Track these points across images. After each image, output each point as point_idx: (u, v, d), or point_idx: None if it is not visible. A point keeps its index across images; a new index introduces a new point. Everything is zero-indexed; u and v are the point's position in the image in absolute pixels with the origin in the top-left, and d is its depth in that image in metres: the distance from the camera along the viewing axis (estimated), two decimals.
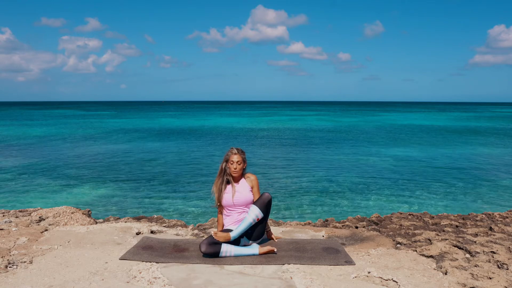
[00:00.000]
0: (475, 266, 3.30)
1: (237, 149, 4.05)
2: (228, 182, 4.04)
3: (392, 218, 5.35)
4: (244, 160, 4.04)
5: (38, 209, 5.31)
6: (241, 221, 3.93)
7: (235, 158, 3.99)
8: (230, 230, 3.83)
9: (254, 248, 3.70)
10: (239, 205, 3.97)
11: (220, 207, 4.04)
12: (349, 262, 3.51)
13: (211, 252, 3.58)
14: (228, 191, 4.01)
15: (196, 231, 4.64)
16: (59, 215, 4.99)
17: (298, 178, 15.58)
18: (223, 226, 4.04)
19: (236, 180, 4.05)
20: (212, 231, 3.86)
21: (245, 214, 3.94)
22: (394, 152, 23.84)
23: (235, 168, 3.98)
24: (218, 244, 3.62)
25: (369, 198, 12.55)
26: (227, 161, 4.03)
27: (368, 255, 3.74)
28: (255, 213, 3.78)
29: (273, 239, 4.12)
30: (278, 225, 5.08)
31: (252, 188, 4.05)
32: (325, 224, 5.23)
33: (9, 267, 3.33)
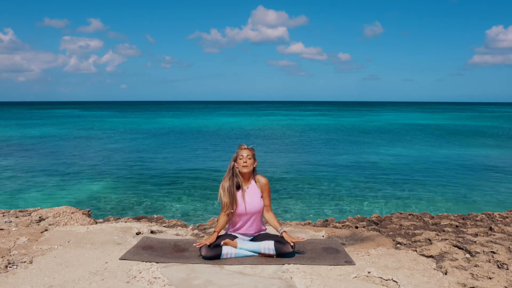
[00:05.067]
0: (475, 266, 3.30)
1: (246, 145, 3.77)
2: (238, 187, 3.72)
3: (392, 218, 5.35)
4: (254, 157, 3.74)
5: (38, 209, 5.32)
6: (249, 234, 3.79)
7: (245, 152, 3.70)
8: (235, 237, 3.72)
9: (255, 248, 3.64)
10: (250, 213, 3.71)
11: (231, 213, 3.71)
12: (349, 262, 3.51)
13: (212, 256, 3.52)
14: (238, 196, 3.71)
15: (196, 231, 4.65)
16: (59, 215, 4.99)
17: (298, 178, 15.57)
18: (221, 228, 3.72)
19: (246, 180, 3.76)
20: (222, 242, 3.57)
21: (254, 223, 3.76)
22: (394, 151, 23.83)
23: (245, 162, 3.66)
24: (218, 247, 3.55)
25: (369, 198, 12.54)
26: (235, 159, 3.72)
27: (368, 255, 3.74)
28: (269, 248, 3.56)
29: (295, 240, 3.62)
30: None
31: (261, 192, 3.77)
32: (325, 224, 5.23)
33: (9, 267, 3.33)
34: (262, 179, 3.79)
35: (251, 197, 3.73)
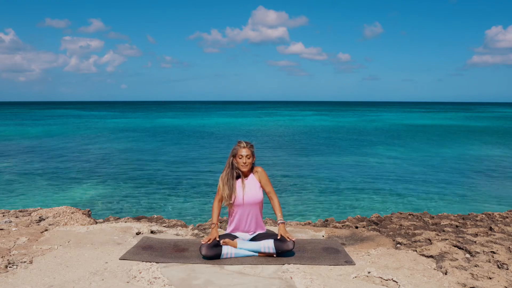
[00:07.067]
0: (475, 266, 3.30)
1: (245, 142, 3.78)
2: (237, 177, 3.79)
3: (392, 218, 5.35)
4: (253, 154, 3.78)
5: (38, 209, 5.32)
6: (247, 231, 3.81)
7: (244, 152, 3.72)
8: (235, 237, 3.73)
9: (255, 247, 3.64)
10: (248, 204, 3.75)
11: (230, 205, 3.76)
12: (349, 262, 3.51)
13: (212, 255, 3.52)
14: (237, 187, 3.76)
15: (196, 231, 4.65)
16: (59, 215, 4.99)
17: (298, 178, 15.57)
18: (218, 217, 3.78)
19: (245, 175, 3.81)
20: (222, 241, 3.60)
21: (252, 219, 3.78)
22: (394, 151, 23.84)
23: (245, 163, 3.72)
24: (218, 246, 3.56)
25: (369, 198, 12.55)
26: (234, 155, 3.76)
27: (368, 255, 3.74)
28: (268, 247, 3.57)
29: (284, 237, 3.60)
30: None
31: (260, 181, 3.81)
32: (325, 224, 5.23)
33: (9, 267, 3.33)
34: (258, 169, 3.86)
35: (249, 188, 3.77)
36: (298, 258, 3.57)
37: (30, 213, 5.16)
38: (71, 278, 3.14)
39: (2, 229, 4.28)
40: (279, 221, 3.72)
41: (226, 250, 3.57)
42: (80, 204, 11.14)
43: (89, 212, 5.46)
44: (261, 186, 3.83)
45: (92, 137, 32.82)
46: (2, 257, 3.48)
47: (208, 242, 3.54)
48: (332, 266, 3.43)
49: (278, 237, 3.62)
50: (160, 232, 4.56)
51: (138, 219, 5.45)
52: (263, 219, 4.17)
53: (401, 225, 4.89)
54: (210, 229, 4.74)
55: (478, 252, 3.63)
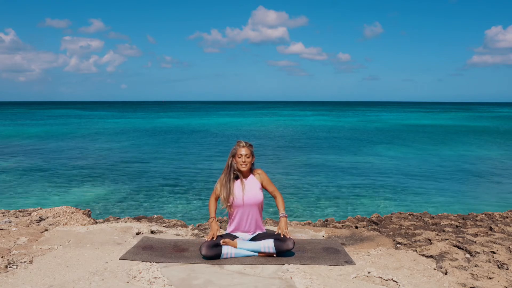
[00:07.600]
0: (475, 266, 3.30)
1: (245, 142, 3.80)
2: (236, 178, 3.79)
3: (392, 218, 5.35)
4: (252, 154, 3.79)
5: (38, 209, 5.32)
6: (247, 231, 3.82)
7: (243, 151, 3.74)
8: (235, 237, 3.74)
9: (255, 247, 3.64)
10: (248, 205, 3.74)
11: (228, 207, 3.77)
12: (349, 262, 3.51)
13: (212, 255, 3.52)
14: (237, 188, 3.77)
15: (196, 231, 4.64)
16: (59, 215, 4.99)
17: (298, 178, 15.57)
18: (215, 211, 3.83)
19: (245, 176, 3.82)
20: (222, 241, 3.60)
21: (252, 219, 3.78)
22: (393, 152, 23.83)
23: (244, 161, 3.73)
24: (218, 246, 3.56)
25: (369, 198, 12.54)
26: (234, 155, 3.77)
27: (368, 255, 3.74)
28: (268, 247, 3.57)
29: (282, 233, 3.69)
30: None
31: (261, 183, 3.83)
32: (325, 224, 5.23)
33: (9, 267, 3.33)
34: (258, 171, 3.89)
35: (249, 188, 3.78)
36: (298, 258, 3.57)
37: (30, 213, 5.16)
38: (71, 278, 3.14)
39: (2, 229, 4.28)
40: (281, 214, 3.78)
41: (226, 250, 3.57)
42: (80, 204, 11.14)
43: (89, 212, 5.46)
44: (264, 187, 3.87)
45: (92, 137, 32.81)
46: (2, 257, 3.48)
47: (213, 239, 3.60)
48: (332, 266, 3.43)
49: (277, 231, 3.70)
50: (160, 232, 4.56)
51: (138, 219, 5.45)
52: (263, 219, 4.16)
53: (401, 225, 4.89)
54: (210, 227, 4.74)
55: (478, 252, 3.63)
